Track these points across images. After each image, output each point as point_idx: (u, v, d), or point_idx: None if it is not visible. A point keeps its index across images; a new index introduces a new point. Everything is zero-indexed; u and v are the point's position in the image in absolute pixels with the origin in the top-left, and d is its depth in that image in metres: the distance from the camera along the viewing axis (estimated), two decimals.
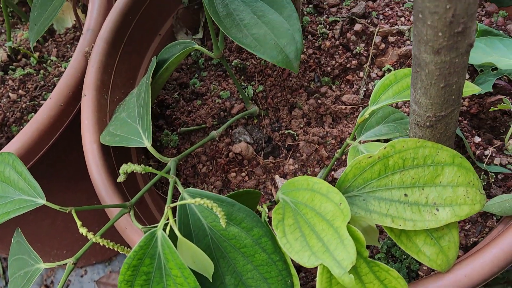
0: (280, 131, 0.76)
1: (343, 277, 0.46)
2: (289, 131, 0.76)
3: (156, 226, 0.48)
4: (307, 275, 0.65)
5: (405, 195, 0.51)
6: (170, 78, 0.83)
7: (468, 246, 0.64)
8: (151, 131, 0.62)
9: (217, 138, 0.72)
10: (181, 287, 0.47)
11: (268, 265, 0.52)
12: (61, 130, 0.74)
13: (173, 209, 0.51)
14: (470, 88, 0.58)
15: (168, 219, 0.49)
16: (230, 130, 0.77)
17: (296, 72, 0.56)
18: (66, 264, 0.53)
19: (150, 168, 0.53)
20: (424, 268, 0.63)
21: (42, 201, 0.53)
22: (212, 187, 0.75)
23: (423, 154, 0.51)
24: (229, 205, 0.51)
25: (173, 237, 0.48)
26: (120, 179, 0.56)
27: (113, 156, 0.71)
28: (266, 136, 0.76)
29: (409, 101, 0.52)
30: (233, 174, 0.75)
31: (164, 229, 0.49)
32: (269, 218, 0.65)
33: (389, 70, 0.75)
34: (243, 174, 0.75)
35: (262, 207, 0.55)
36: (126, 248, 0.56)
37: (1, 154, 0.56)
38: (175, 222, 0.50)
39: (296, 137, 0.75)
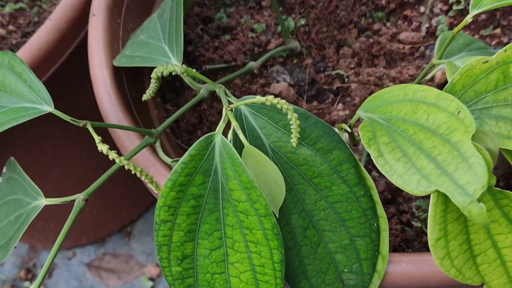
0: (326, 72, 0.64)
1: (469, 206, 0.33)
2: (338, 71, 0.63)
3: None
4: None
5: None
6: (190, 13, 0.70)
7: None
8: (181, 49, 0.50)
9: (255, 71, 0.59)
10: (244, 217, 0.34)
11: (349, 202, 0.39)
12: (62, 59, 0.61)
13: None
14: None
15: (226, 127, 0.36)
16: (265, 71, 0.65)
17: None
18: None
19: (194, 71, 0.40)
20: None
21: (49, 107, 0.39)
22: None
23: None
24: (302, 117, 0.38)
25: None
26: (148, 94, 0.43)
27: (127, 89, 0.58)
28: (309, 77, 0.64)
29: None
30: None
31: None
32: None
33: (458, 2, 0.63)
34: None
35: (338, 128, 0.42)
36: (155, 182, 0.42)
37: None
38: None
39: (346, 79, 0.63)
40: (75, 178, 0.77)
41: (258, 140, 0.39)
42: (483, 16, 0.63)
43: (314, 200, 0.39)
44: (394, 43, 0.65)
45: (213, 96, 0.64)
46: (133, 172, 0.39)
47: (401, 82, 0.62)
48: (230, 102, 0.39)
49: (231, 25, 0.67)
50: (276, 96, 0.62)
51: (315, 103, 0.63)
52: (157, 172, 0.49)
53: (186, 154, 0.33)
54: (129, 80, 0.59)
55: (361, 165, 0.40)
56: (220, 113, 0.64)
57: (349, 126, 0.44)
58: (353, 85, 0.62)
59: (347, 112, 0.62)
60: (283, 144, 0.39)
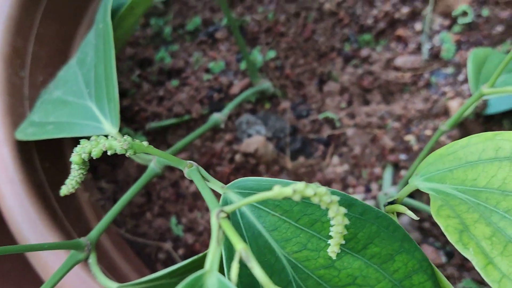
0: (310, 117, 0.49)
1: None
2: (326, 114, 0.48)
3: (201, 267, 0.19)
4: None
5: None
6: (122, 56, 0.54)
7: None
8: (117, 106, 0.33)
9: (222, 126, 0.43)
10: None
11: None
12: None
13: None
14: None
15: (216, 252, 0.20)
16: (230, 123, 0.49)
17: None
18: None
19: (151, 147, 0.24)
20: None
21: None
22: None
23: None
24: (343, 205, 0.23)
25: None
26: (70, 186, 0.26)
27: (42, 171, 0.40)
28: (290, 126, 0.48)
29: None
30: None
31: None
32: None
33: (464, 14, 0.50)
34: None
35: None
36: None
37: None
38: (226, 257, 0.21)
39: (338, 123, 0.48)
40: None
41: (267, 252, 0.23)
42: (499, 29, 0.50)
43: None
44: (390, 71, 0.51)
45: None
46: None
47: (409, 120, 0.48)
48: (216, 193, 0.23)
49: (178, 66, 0.51)
50: (248, 156, 0.46)
51: (301, 159, 0.47)
52: None
53: None
54: (44, 157, 0.41)
55: (438, 271, 0.24)
56: (175, 185, 0.47)
57: (393, 202, 0.28)
58: (349, 131, 0.47)
59: (346, 167, 0.46)
60: (311, 254, 0.23)
